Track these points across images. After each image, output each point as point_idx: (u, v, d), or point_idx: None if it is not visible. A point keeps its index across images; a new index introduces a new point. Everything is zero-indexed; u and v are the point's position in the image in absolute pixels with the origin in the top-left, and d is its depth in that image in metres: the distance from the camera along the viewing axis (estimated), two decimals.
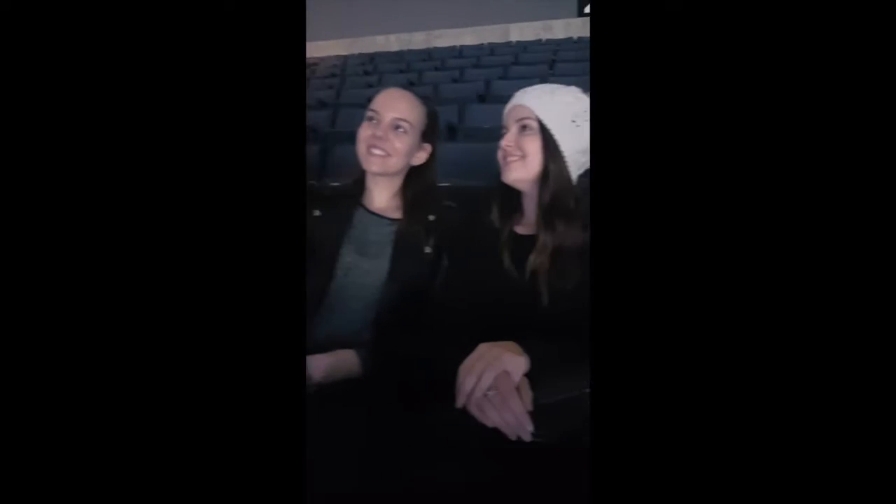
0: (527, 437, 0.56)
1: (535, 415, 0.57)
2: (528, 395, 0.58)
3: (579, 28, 6.38)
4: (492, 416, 0.57)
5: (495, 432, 0.57)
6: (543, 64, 3.76)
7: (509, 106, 0.83)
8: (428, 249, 0.90)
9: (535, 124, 0.79)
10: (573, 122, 0.79)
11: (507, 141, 0.81)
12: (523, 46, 5.00)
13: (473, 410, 0.58)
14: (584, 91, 0.84)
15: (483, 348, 0.61)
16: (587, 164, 0.82)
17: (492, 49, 4.96)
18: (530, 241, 0.78)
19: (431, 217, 0.93)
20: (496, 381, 0.58)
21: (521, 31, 6.21)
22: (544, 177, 0.79)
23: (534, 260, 0.76)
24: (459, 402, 0.59)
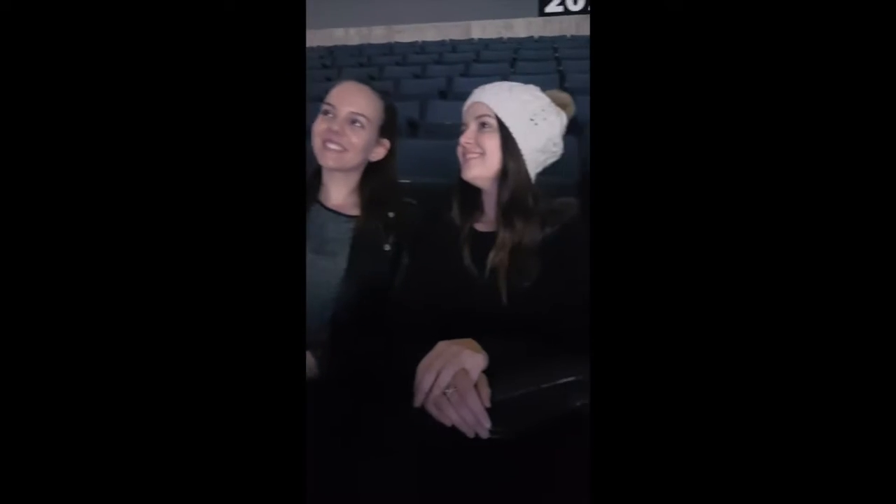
0: (484, 435, 0.56)
1: (494, 411, 0.57)
2: (486, 392, 0.58)
3: (540, 27, 6.48)
4: (450, 415, 0.57)
5: (454, 430, 0.57)
6: (505, 62, 3.79)
7: (468, 103, 0.83)
8: (387, 247, 0.89)
9: (493, 122, 0.79)
10: (531, 120, 0.79)
11: (466, 138, 0.80)
12: (485, 44, 5.02)
13: (431, 409, 0.58)
14: (542, 90, 0.85)
15: (441, 346, 0.60)
16: (545, 163, 0.83)
17: (453, 46, 4.96)
18: (490, 238, 0.79)
19: (391, 214, 0.91)
20: (454, 378, 0.57)
21: (483, 29, 6.25)
22: (503, 174, 0.79)
23: (493, 257, 0.76)
24: (418, 402, 0.59)
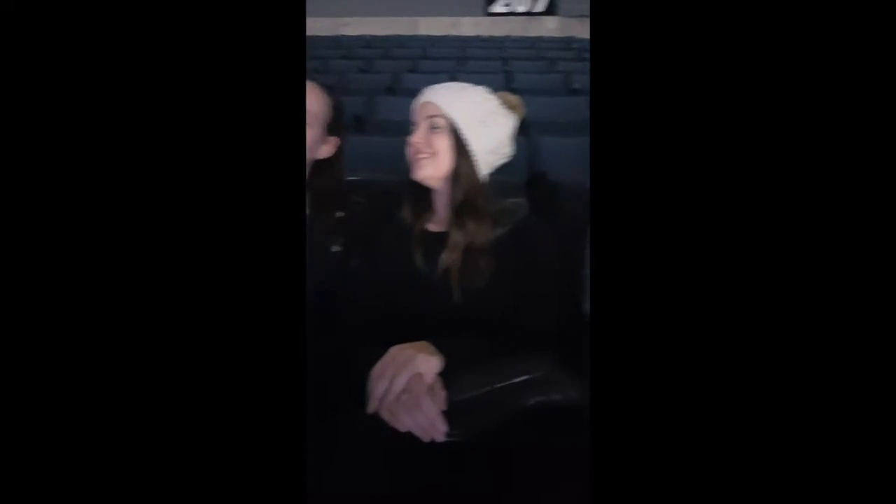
0: (440, 439, 0.56)
1: (450, 413, 0.57)
2: (441, 394, 0.57)
3: (487, 27, 6.56)
4: (404, 420, 0.56)
5: (409, 435, 0.56)
6: (452, 60, 3.80)
7: (418, 102, 0.82)
8: (336, 248, 0.86)
9: (444, 122, 0.78)
10: (482, 122, 0.79)
11: (416, 138, 0.80)
12: (432, 41, 5.01)
13: (385, 415, 0.57)
14: (491, 91, 0.86)
15: (395, 351, 0.59)
16: (496, 164, 0.84)
17: (400, 41, 4.91)
18: (441, 238, 0.78)
19: (339, 214, 0.89)
20: (409, 383, 0.57)
21: (430, 26, 6.23)
22: (455, 175, 0.79)
23: (446, 258, 0.76)
24: (371, 408, 0.57)
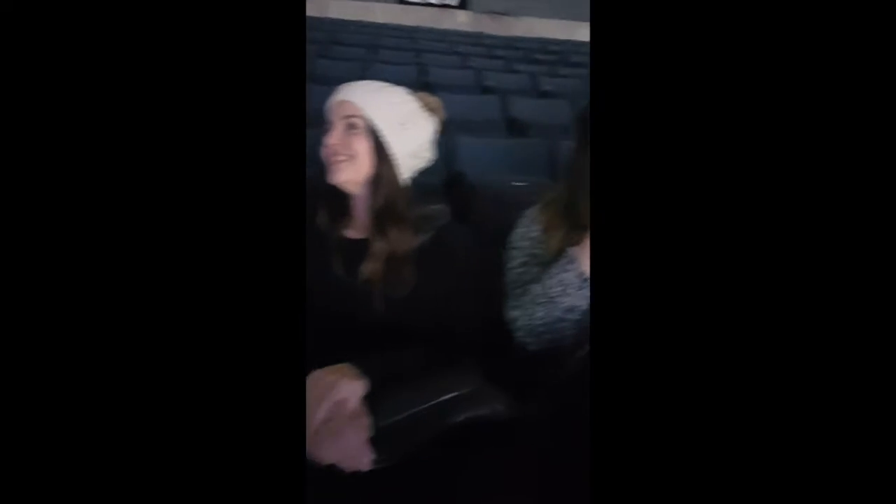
0: (365, 468, 0.53)
1: (376, 439, 0.54)
2: (366, 422, 0.54)
3: (398, 15, 6.45)
4: (326, 453, 0.52)
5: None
6: (364, 47, 3.68)
7: (334, 100, 0.77)
8: None
9: (362, 123, 0.74)
10: (402, 124, 0.76)
11: (333, 139, 0.74)
12: (342, 24, 4.82)
13: (308, 448, 0.52)
14: (411, 92, 0.83)
15: (315, 378, 0.55)
16: (417, 168, 0.82)
17: (310, 23, 4.65)
18: (361, 245, 0.75)
19: None
20: (330, 411, 0.53)
21: (341, 9, 5.98)
22: (375, 180, 0.75)
23: (367, 267, 0.72)
24: None
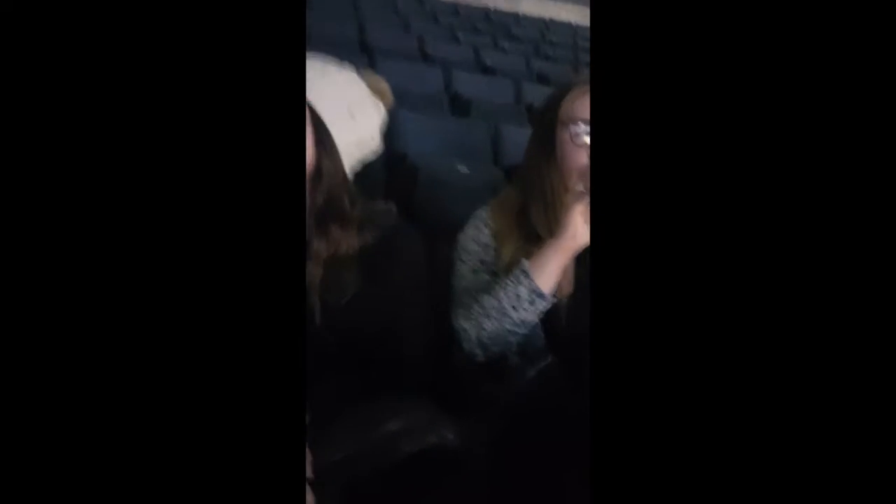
0: None
1: (321, 478, 0.49)
2: (307, 460, 0.49)
3: None
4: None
5: None
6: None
7: None
8: None
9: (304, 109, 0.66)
10: (348, 111, 0.69)
11: None
12: None
13: None
14: (358, 72, 0.75)
15: None
16: (363, 160, 0.74)
17: None
18: None
19: None
20: None
21: None
22: (316, 173, 0.67)
23: (306, 271, 0.65)
24: None
